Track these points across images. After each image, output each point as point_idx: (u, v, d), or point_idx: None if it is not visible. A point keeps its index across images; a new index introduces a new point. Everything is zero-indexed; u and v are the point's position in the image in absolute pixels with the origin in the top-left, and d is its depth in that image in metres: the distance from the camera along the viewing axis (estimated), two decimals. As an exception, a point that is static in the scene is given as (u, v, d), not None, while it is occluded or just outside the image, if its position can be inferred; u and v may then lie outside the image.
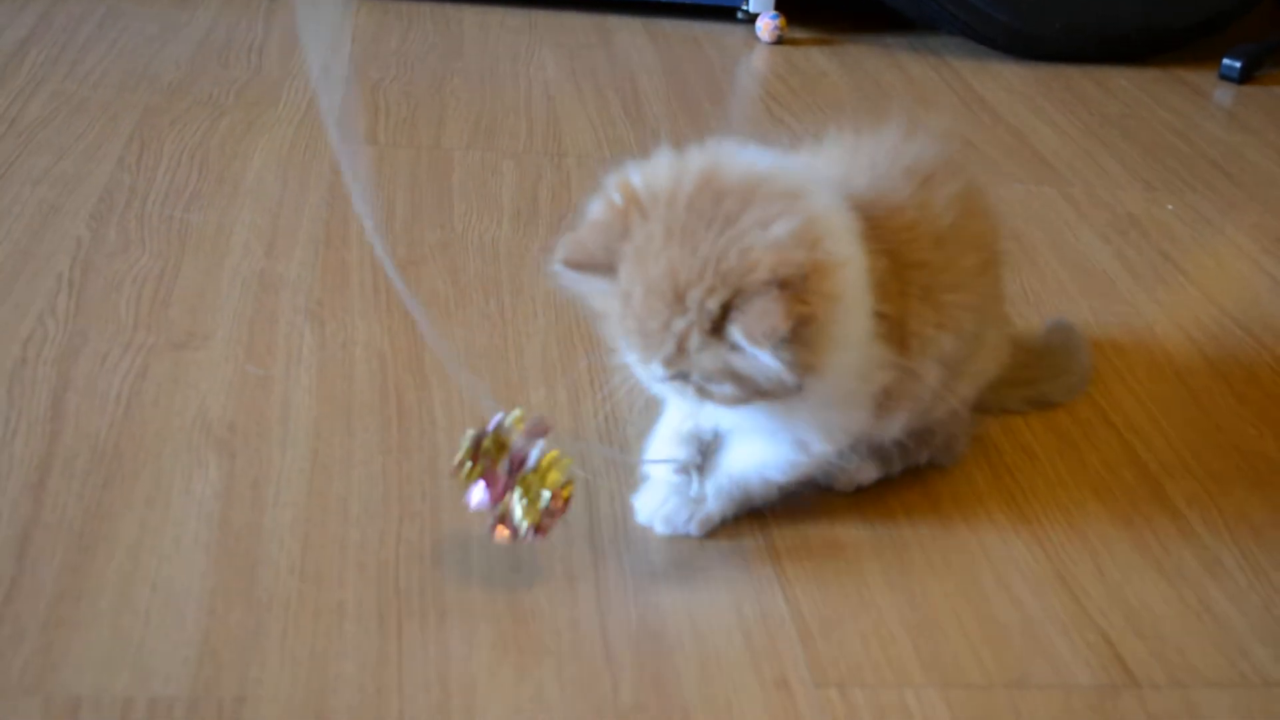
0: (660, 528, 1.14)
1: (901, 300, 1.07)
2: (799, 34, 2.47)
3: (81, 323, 1.35)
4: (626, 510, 1.16)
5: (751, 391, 1.01)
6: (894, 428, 1.16)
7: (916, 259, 1.09)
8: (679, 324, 0.98)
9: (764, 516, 1.17)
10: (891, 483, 1.24)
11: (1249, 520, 1.25)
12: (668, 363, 1.01)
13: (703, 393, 1.03)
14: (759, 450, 1.13)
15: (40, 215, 1.54)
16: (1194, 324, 1.59)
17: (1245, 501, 1.28)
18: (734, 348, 0.98)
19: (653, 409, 1.19)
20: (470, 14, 2.40)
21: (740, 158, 1.04)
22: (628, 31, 2.40)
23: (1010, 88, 2.33)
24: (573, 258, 1.03)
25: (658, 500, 1.14)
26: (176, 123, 1.82)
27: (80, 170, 1.66)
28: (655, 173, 1.03)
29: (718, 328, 0.98)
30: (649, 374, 1.04)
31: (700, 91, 2.16)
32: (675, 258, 0.98)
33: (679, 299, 0.97)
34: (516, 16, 2.42)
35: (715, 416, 1.13)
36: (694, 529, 1.14)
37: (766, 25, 2.39)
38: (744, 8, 2.45)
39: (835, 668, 1.03)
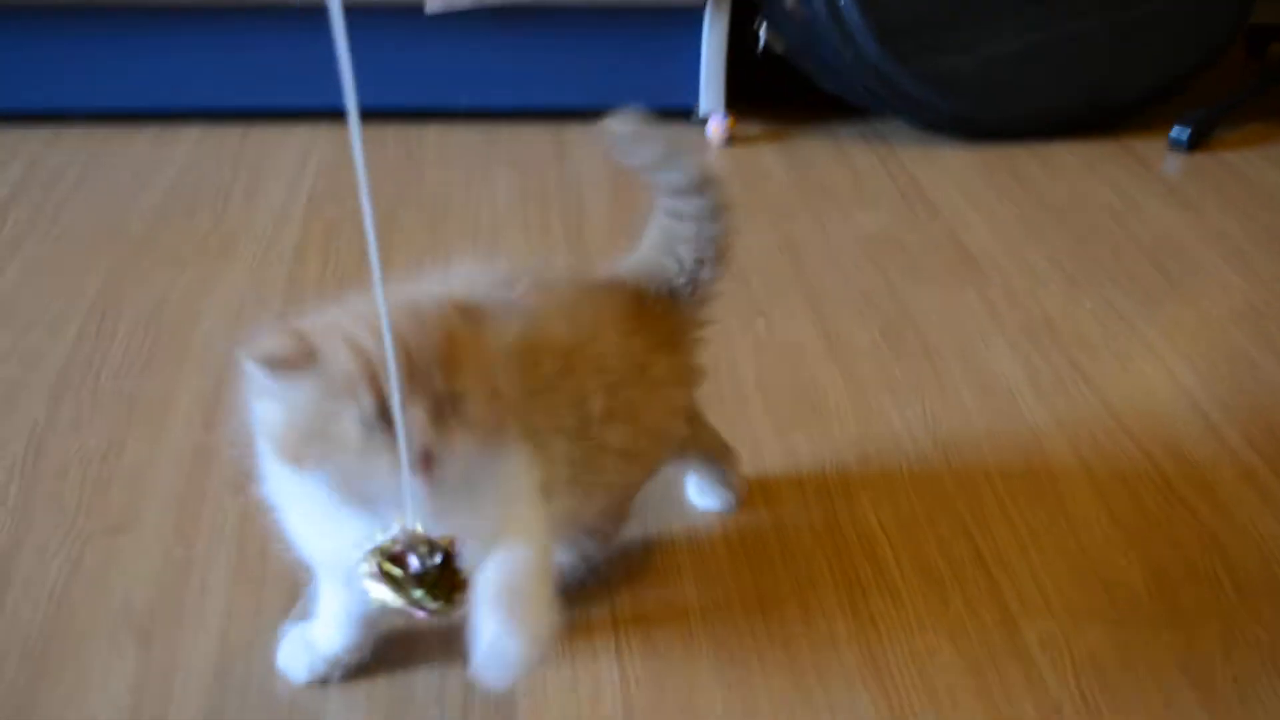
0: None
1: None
2: (750, 129, 2.57)
3: (28, 512, 1.48)
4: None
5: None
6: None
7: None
8: None
9: (621, 661, 1.28)
10: (751, 626, 1.35)
11: (1097, 662, 1.33)
12: None
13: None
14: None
15: (4, 395, 1.68)
16: (1087, 440, 1.67)
17: (1098, 642, 1.35)
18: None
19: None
20: (433, 133, 2.52)
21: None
22: (583, 141, 2.51)
23: (953, 175, 2.41)
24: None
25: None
26: (139, 283, 1.96)
27: (44, 344, 1.80)
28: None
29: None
30: None
31: (646, 208, 2.25)
32: None
33: None
34: (476, 133, 2.53)
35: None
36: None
37: (716, 129, 2.49)
38: (697, 111, 2.55)
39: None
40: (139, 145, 2.44)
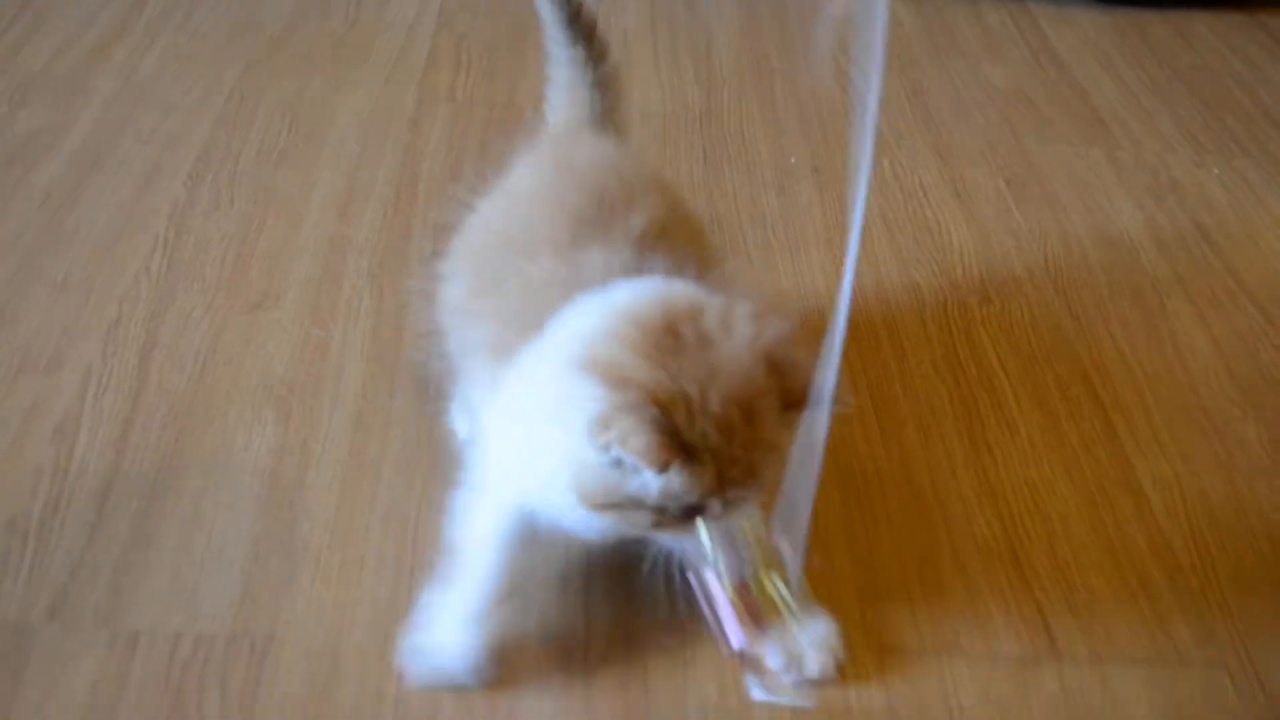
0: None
1: None
2: (882, -23, 2.53)
3: (171, 282, 1.53)
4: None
5: None
6: None
7: None
8: None
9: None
10: (870, 448, 1.38)
11: (1208, 504, 1.35)
12: None
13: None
14: None
15: (144, 174, 1.72)
16: (1208, 298, 1.67)
17: (1210, 485, 1.38)
18: None
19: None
20: (562, -43, 2.51)
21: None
22: (712, -24, 2.50)
23: (1085, 37, 2.37)
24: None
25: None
26: (274, 78, 1.99)
27: (183, 128, 1.84)
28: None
29: None
30: None
31: (772, 48, 2.25)
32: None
33: None
34: (605, -40, 2.52)
35: None
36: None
37: (847, -29, 2.46)
38: (828, -49, 2.53)
39: (786, 631, 1.17)
40: (271, -52, 2.45)
